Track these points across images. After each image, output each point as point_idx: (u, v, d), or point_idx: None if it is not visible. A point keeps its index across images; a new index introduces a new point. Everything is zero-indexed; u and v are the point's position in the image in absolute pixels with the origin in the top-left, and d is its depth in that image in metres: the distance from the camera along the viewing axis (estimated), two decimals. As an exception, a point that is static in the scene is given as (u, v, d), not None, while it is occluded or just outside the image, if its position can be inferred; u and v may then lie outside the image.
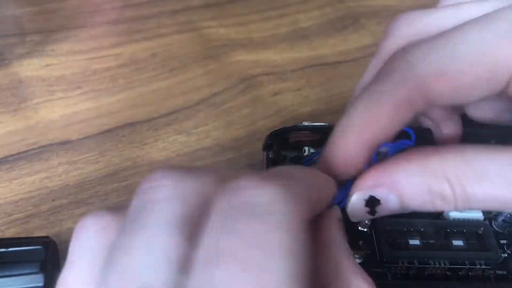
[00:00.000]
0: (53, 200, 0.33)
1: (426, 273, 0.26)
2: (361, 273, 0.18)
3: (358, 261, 0.27)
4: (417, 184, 0.20)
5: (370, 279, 0.18)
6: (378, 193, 0.21)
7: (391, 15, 0.51)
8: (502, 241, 0.28)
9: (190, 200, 0.15)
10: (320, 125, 0.30)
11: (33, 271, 0.24)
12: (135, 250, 0.14)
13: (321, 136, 0.30)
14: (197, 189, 0.16)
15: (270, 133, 0.31)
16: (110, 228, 0.17)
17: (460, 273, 0.26)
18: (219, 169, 0.18)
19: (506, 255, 0.27)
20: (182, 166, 0.17)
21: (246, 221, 0.14)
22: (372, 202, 0.21)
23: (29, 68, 0.41)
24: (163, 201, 0.15)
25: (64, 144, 0.36)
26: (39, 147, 0.36)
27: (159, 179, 0.16)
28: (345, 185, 0.22)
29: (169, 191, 0.16)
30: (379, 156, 0.22)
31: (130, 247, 0.14)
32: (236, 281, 0.13)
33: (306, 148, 0.31)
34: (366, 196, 0.21)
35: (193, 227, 0.15)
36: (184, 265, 0.14)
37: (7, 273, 0.24)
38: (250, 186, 0.15)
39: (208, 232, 0.14)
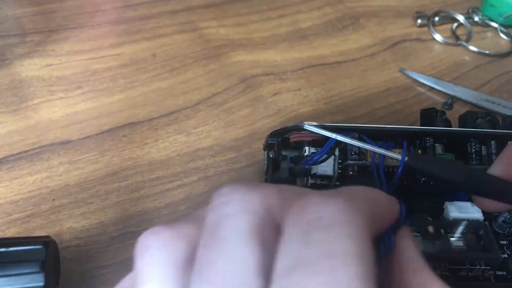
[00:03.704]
0: (54, 199, 0.33)
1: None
2: (439, 282, 0.18)
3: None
4: None
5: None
6: None
7: (391, 15, 0.51)
8: (502, 242, 0.28)
9: (258, 212, 0.17)
10: (319, 125, 0.30)
11: (34, 270, 0.24)
12: (218, 262, 0.16)
13: (322, 136, 0.31)
14: (262, 201, 0.17)
15: (270, 133, 0.31)
16: (172, 243, 0.18)
17: (460, 273, 0.26)
18: (277, 184, 0.19)
19: (506, 255, 0.27)
20: (246, 182, 0.18)
21: (318, 233, 0.15)
22: None
23: (30, 68, 0.41)
24: (235, 214, 0.17)
25: (65, 144, 0.36)
26: (40, 147, 0.36)
27: (228, 194, 0.18)
28: None
29: (239, 205, 0.17)
30: None
31: (213, 260, 0.16)
32: (314, 285, 0.14)
33: (307, 148, 0.31)
34: None
35: (265, 237, 0.16)
36: (264, 272, 0.16)
37: (7, 273, 0.24)
38: (318, 202, 0.17)
39: (286, 243, 0.16)
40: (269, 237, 0.16)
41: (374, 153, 0.29)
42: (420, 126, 0.34)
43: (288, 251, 0.16)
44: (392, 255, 0.20)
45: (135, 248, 0.18)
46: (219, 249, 0.16)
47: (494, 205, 0.24)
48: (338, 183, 0.29)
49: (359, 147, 0.29)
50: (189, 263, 0.17)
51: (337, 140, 0.29)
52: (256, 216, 0.17)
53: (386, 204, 0.20)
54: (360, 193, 0.19)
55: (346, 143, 0.29)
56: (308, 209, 0.16)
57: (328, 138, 0.30)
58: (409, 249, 0.20)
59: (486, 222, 0.28)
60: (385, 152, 0.27)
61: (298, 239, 0.16)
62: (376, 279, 0.15)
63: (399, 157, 0.26)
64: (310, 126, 0.28)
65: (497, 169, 0.24)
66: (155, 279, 0.17)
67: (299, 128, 0.30)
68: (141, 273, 0.18)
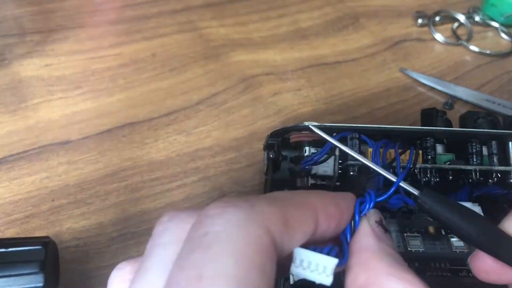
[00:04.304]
0: (53, 200, 0.33)
1: (426, 274, 0.26)
2: (396, 273, 0.18)
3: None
4: None
5: (409, 277, 0.18)
6: None
7: (391, 15, 0.51)
8: (503, 242, 0.28)
9: (254, 233, 0.16)
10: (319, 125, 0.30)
11: (33, 271, 0.24)
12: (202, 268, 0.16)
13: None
14: (260, 224, 0.17)
15: (270, 133, 0.31)
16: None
17: (460, 273, 0.26)
18: (278, 199, 0.18)
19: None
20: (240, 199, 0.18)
21: (196, 254, 0.16)
22: None
23: (29, 68, 0.41)
24: (224, 231, 0.16)
25: (64, 144, 0.36)
26: (39, 147, 0.36)
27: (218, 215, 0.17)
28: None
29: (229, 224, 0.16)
30: None
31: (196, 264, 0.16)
32: None
33: (307, 148, 0.31)
34: None
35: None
36: None
37: (7, 273, 0.24)
38: (213, 214, 0.16)
39: (173, 266, 0.16)
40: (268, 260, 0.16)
41: (375, 154, 0.28)
42: (421, 126, 0.34)
43: (170, 275, 0.16)
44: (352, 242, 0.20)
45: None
46: (141, 279, 0.17)
47: (497, 274, 0.21)
48: (338, 183, 0.29)
49: (359, 147, 0.29)
50: None
51: (337, 139, 0.29)
52: (252, 238, 0.16)
53: (329, 204, 0.20)
54: (284, 197, 0.19)
55: (347, 144, 0.29)
56: (202, 222, 0.16)
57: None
58: (359, 233, 0.20)
59: (487, 223, 0.28)
60: (381, 170, 0.24)
61: (179, 261, 0.16)
62: None
63: (393, 179, 0.23)
64: (313, 127, 0.27)
65: (511, 225, 0.21)
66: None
67: (299, 128, 0.30)
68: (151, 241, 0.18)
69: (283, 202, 0.18)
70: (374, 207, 0.22)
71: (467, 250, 0.27)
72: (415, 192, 0.22)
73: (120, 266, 0.20)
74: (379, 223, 0.21)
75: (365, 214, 0.21)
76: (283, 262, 0.18)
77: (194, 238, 0.16)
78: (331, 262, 0.18)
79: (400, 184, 0.23)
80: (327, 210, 0.19)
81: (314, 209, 0.19)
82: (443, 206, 0.21)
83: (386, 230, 0.21)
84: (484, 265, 0.22)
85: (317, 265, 0.18)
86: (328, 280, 0.18)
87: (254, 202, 0.17)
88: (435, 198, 0.22)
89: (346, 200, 0.21)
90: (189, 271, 0.15)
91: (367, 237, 0.20)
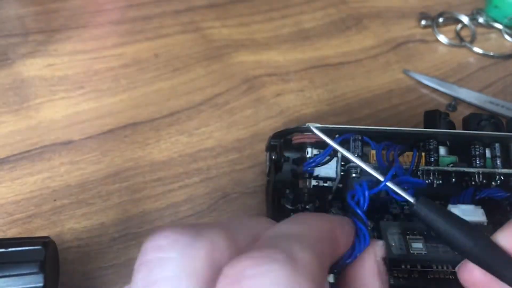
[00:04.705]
0: (55, 200, 0.33)
1: (429, 277, 0.26)
2: None
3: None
4: None
5: None
6: None
7: (394, 16, 0.51)
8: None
9: (200, 274, 0.15)
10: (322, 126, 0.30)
11: (33, 271, 0.24)
12: None
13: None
14: (207, 256, 0.15)
15: (272, 134, 0.31)
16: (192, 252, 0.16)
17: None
18: (225, 224, 0.17)
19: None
20: (187, 226, 0.16)
21: None
22: None
23: (32, 67, 0.41)
24: (171, 279, 0.15)
25: (66, 144, 0.36)
26: (41, 147, 0.36)
27: (164, 249, 0.15)
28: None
29: (177, 266, 0.15)
30: None
31: None
32: None
33: (309, 149, 0.31)
34: None
35: None
36: None
37: (7, 273, 0.24)
38: (252, 275, 0.15)
39: None
40: None
41: (379, 154, 0.28)
42: (424, 128, 0.33)
43: None
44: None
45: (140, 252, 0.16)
46: None
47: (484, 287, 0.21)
48: (341, 185, 0.29)
49: (362, 149, 0.29)
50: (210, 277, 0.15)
51: (340, 141, 0.29)
52: (195, 280, 0.15)
53: (338, 231, 0.19)
54: (308, 236, 0.17)
55: (349, 145, 0.29)
56: (242, 282, 0.14)
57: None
58: (362, 274, 0.19)
59: (490, 226, 0.28)
60: (370, 170, 0.23)
61: None
62: None
63: (381, 177, 0.22)
64: (314, 128, 0.27)
65: (504, 238, 0.21)
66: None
67: (301, 130, 0.30)
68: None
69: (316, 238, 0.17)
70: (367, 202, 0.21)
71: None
72: (411, 199, 0.21)
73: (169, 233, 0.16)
74: (385, 261, 0.20)
75: (371, 246, 0.20)
76: None
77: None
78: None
79: (391, 186, 0.22)
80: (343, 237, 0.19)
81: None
82: (439, 216, 0.21)
83: (388, 269, 0.20)
84: (472, 277, 0.21)
85: None
86: None
87: (292, 253, 0.16)
88: (431, 207, 0.21)
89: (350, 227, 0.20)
90: None
91: (373, 278, 0.19)
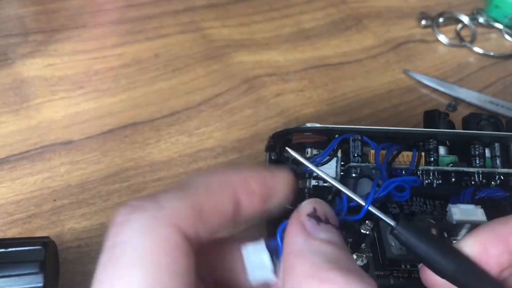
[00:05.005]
0: (55, 200, 0.33)
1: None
2: (318, 274, 0.17)
3: (360, 263, 0.26)
4: None
5: (332, 275, 0.16)
6: None
7: (394, 16, 0.51)
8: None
9: (164, 235, 0.17)
10: (322, 126, 0.30)
11: (33, 271, 0.24)
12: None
13: (324, 137, 0.30)
14: (169, 222, 0.17)
15: (272, 134, 0.31)
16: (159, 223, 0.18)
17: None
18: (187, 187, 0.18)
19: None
20: (157, 194, 0.18)
21: (108, 268, 0.17)
22: None
23: (32, 67, 0.41)
24: (134, 239, 0.17)
25: (66, 144, 0.36)
26: (41, 147, 0.36)
27: (129, 213, 0.17)
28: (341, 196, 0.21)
29: (140, 227, 0.17)
30: None
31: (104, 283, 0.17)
32: None
33: (309, 149, 0.31)
34: None
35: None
36: None
37: (7, 273, 0.24)
38: (116, 223, 0.17)
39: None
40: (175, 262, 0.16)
41: (377, 155, 0.28)
42: (423, 128, 0.33)
43: None
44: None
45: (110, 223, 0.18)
46: (111, 275, 0.16)
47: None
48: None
49: (362, 149, 0.29)
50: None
51: (340, 141, 0.29)
52: (159, 240, 0.16)
53: (250, 181, 0.19)
54: (197, 183, 0.18)
55: (349, 144, 0.29)
56: (111, 231, 0.17)
57: (331, 139, 0.29)
58: (288, 230, 0.19)
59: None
60: (350, 193, 0.22)
61: (95, 277, 0.17)
62: None
63: (362, 202, 0.21)
64: (289, 149, 0.25)
65: (470, 246, 0.20)
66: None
67: (300, 130, 0.30)
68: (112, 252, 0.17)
69: (195, 190, 0.18)
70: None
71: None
72: (391, 222, 0.21)
73: (134, 203, 0.18)
74: (311, 215, 0.19)
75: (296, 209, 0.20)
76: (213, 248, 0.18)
77: (105, 250, 0.17)
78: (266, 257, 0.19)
79: (372, 210, 0.21)
80: (247, 187, 0.19)
81: (232, 189, 0.18)
82: (419, 240, 0.20)
83: (321, 220, 0.19)
84: (432, 279, 0.21)
85: (260, 262, 0.19)
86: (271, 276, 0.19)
87: (162, 200, 0.17)
88: (411, 231, 0.20)
89: (273, 175, 0.20)
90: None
91: (294, 236, 0.18)
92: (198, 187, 0.18)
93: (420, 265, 0.21)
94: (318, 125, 0.30)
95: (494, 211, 0.28)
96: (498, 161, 0.30)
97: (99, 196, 0.33)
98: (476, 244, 0.20)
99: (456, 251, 0.20)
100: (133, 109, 0.39)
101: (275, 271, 0.19)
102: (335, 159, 0.29)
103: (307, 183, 0.30)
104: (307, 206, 0.19)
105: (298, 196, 0.29)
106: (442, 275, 0.20)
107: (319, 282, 0.16)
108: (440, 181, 0.29)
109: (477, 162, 0.30)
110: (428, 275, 0.21)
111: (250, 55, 0.45)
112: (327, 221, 0.19)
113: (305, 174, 0.30)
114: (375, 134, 0.29)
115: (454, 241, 0.27)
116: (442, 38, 0.49)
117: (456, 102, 0.42)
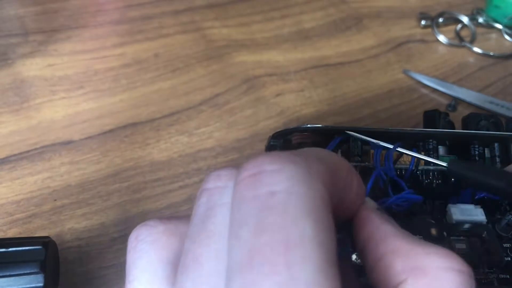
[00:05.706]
0: (55, 200, 0.33)
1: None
2: (435, 250, 0.16)
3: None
4: None
5: (446, 251, 0.16)
6: None
7: (394, 16, 0.51)
8: (505, 245, 0.28)
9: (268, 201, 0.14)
10: (322, 126, 0.30)
11: (33, 271, 0.24)
12: (204, 259, 0.15)
13: (324, 137, 0.30)
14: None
15: (272, 134, 0.31)
16: (164, 239, 0.17)
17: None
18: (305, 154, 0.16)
19: (509, 258, 0.27)
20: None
21: (272, 216, 0.13)
22: None
23: (32, 67, 0.41)
24: (227, 206, 0.15)
25: (66, 144, 0.36)
26: (41, 147, 0.36)
27: (222, 179, 0.16)
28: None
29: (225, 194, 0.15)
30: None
31: (198, 256, 0.15)
32: (271, 286, 0.13)
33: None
34: None
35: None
36: None
37: (7, 273, 0.24)
38: (271, 170, 0.14)
39: (235, 226, 0.14)
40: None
41: (377, 155, 0.28)
42: (423, 128, 0.33)
43: (240, 239, 0.13)
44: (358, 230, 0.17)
45: (128, 241, 0.18)
46: (206, 245, 0.15)
47: None
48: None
49: (361, 149, 0.29)
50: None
51: (341, 140, 0.29)
52: (320, 196, 0.14)
53: (354, 180, 0.17)
54: (323, 155, 0.16)
55: (349, 145, 0.29)
56: (260, 180, 0.14)
57: (331, 139, 0.29)
58: (371, 220, 0.17)
59: (489, 225, 0.28)
60: (425, 157, 0.28)
61: (249, 223, 0.13)
62: (337, 267, 0.13)
63: (443, 163, 0.27)
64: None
65: None
66: (144, 275, 0.16)
67: (300, 130, 0.30)
68: (130, 268, 0.17)
69: (328, 160, 0.16)
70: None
71: (469, 253, 0.26)
72: (443, 164, 0.26)
73: (150, 223, 0.17)
74: (380, 209, 0.19)
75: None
76: None
77: (258, 198, 0.14)
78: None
79: (416, 155, 0.27)
80: (351, 181, 0.17)
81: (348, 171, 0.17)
82: (471, 171, 0.26)
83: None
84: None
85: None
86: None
87: (306, 158, 0.15)
88: (462, 166, 0.26)
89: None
90: (273, 235, 0.13)
91: (382, 224, 0.17)
92: (323, 158, 0.16)
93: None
94: (318, 125, 0.30)
95: (494, 211, 0.28)
96: (497, 161, 0.30)
97: (99, 196, 0.33)
98: None
99: (503, 172, 0.25)
100: (133, 109, 0.39)
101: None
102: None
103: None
104: (371, 202, 0.19)
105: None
106: (498, 193, 0.25)
107: (442, 256, 0.16)
108: (439, 181, 0.29)
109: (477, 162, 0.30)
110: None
111: (250, 55, 0.45)
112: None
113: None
114: (375, 134, 0.29)
115: (455, 243, 0.27)
116: (442, 38, 0.49)
117: (456, 102, 0.42)
